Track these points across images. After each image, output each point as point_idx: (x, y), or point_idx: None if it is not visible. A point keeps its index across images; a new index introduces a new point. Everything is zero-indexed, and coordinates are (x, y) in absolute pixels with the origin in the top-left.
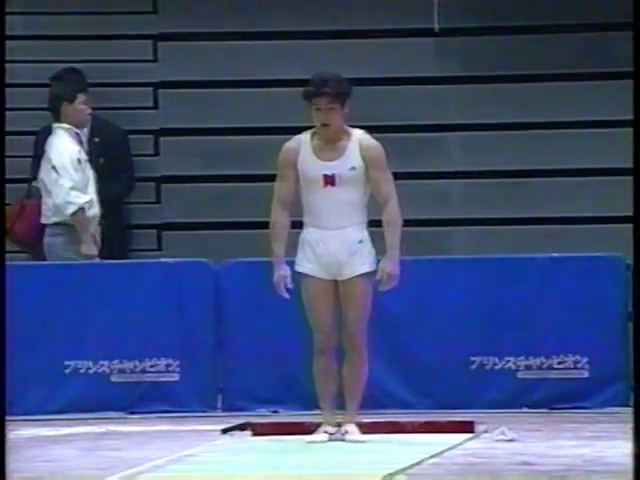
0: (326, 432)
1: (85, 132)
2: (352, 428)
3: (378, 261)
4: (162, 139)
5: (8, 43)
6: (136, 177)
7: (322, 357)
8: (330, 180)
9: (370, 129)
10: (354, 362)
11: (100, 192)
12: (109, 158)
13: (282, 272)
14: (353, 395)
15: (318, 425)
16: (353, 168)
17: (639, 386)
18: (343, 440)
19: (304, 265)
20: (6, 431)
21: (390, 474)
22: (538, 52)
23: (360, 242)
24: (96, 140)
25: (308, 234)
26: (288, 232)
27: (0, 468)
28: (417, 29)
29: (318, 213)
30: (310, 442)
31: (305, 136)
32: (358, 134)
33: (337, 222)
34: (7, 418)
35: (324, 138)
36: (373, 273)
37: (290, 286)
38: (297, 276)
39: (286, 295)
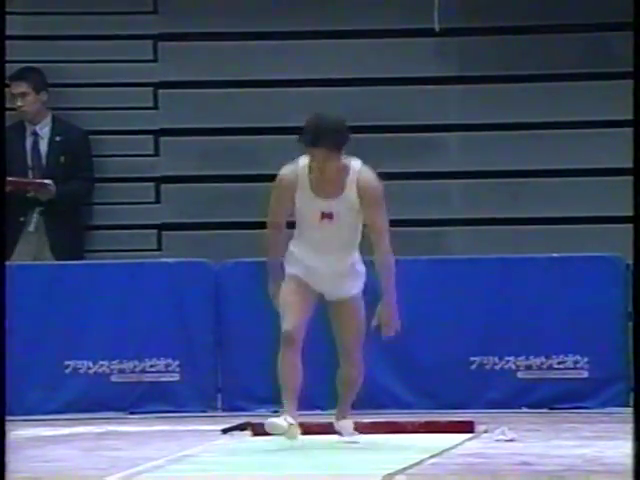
0: (286, 420)
1: (46, 131)
2: (346, 423)
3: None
4: (162, 139)
5: (8, 43)
6: (95, 177)
7: (289, 351)
8: (327, 216)
9: (370, 129)
10: (350, 373)
11: (59, 191)
12: (69, 157)
13: (279, 287)
14: (346, 399)
15: (318, 425)
16: (350, 208)
17: (639, 385)
18: (341, 435)
19: (292, 267)
20: (6, 431)
21: (390, 474)
22: (538, 52)
23: (351, 265)
24: (57, 139)
25: (298, 251)
26: (283, 254)
27: (0, 468)
28: (417, 29)
29: (311, 240)
30: (271, 424)
31: (302, 167)
32: (356, 168)
33: (330, 249)
34: (7, 418)
35: (322, 175)
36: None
37: None
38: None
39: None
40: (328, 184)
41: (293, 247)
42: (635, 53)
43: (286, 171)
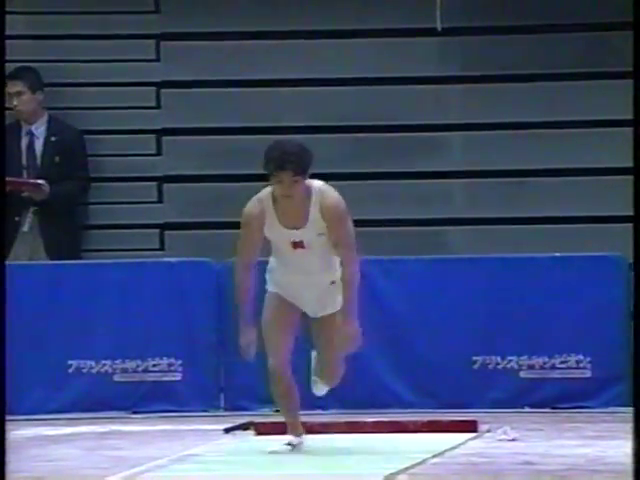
0: (290, 444)
1: (42, 131)
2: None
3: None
4: (164, 139)
5: (10, 42)
6: (93, 177)
7: (279, 384)
8: (299, 244)
9: (372, 129)
10: (331, 383)
11: (53, 191)
12: (64, 157)
13: (250, 337)
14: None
15: (320, 425)
16: (320, 234)
17: (639, 384)
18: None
19: (273, 284)
20: (6, 431)
21: (392, 474)
22: (540, 52)
23: (332, 283)
24: (52, 139)
25: (278, 276)
26: (255, 293)
27: (0, 468)
28: (419, 29)
29: (288, 266)
30: (272, 452)
31: (266, 200)
32: (317, 191)
33: (307, 272)
34: (9, 418)
35: (287, 204)
36: None
37: (254, 351)
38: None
39: (251, 358)
40: (293, 214)
41: (273, 264)
42: (635, 53)
43: (251, 207)
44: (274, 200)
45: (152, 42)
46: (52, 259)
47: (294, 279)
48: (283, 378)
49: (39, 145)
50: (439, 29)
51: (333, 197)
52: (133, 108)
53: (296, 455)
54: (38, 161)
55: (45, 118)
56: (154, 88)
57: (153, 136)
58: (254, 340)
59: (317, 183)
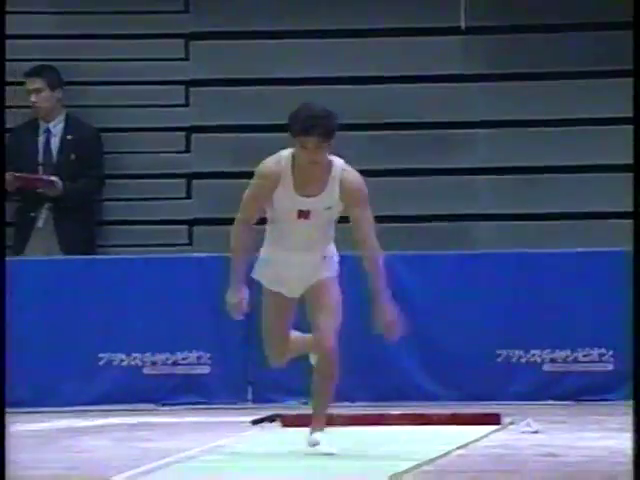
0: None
1: (59, 129)
2: (322, 437)
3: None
4: (193, 136)
5: (41, 42)
6: (106, 175)
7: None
8: (304, 214)
9: (397, 126)
10: (325, 369)
11: (67, 188)
12: (80, 155)
13: (240, 295)
14: (322, 403)
15: (348, 417)
16: (329, 208)
17: (638, 380)
18: (315, 448)
19: (263, 279)
20: (6, 430)
21: (418, 464)
22: (562, 50)
23: (324, 258)
24: (69, 137)
25: (270, 253)
26: (251, 254)
27: (0, 468)
28: (444, 28)
29: (285, 237)
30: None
31: (286, 163)
32: (339, 168)
33: (306, 247)
34: (42, 410)
35: (307, 171)
36: (337, 277)
37: (246, 310)
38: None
39: (240, 317)
40: (311, 181)
41: (263, 252)
42: (635, 53)
43: (270, 164)
44: (293, 164)
45: (181, 41)
46: (66, 254)
47: (286, 259)
48: (280, 362)
49: (55, 143)
50: (463, 28)
51: (356, 177)
52: (163, 106)
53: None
54: (54, 158)
55: (63, 116)
56: (183, 86)
57: (182, 134)
58: (245, 298)
59: (338, 160)
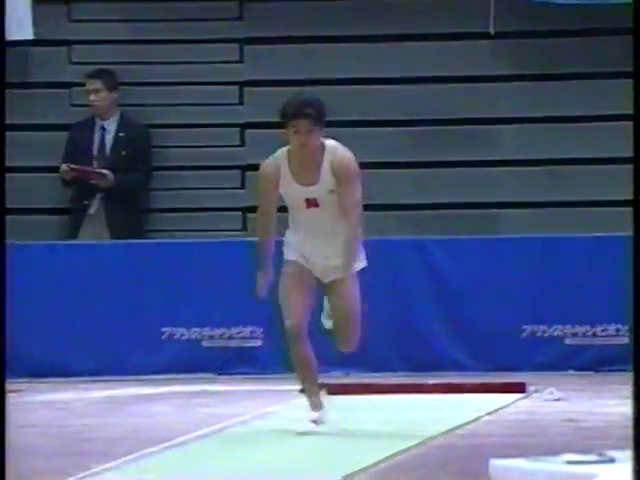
0: (314, 422)
1: (113, 127)
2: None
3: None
4: (247, 131)
5: (115, 47)
6: (153, 167)
7: (297, 345)
8: (312, 202)
9: (432, 122)
10: (348, 345)
11: (118, 180)
12: (130, 151)
13: (266, 278)
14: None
15: (388, 386)
16: (332, 191)
17: (638, 376)
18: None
19: (288, 253)
20: (5, 428)
21: (450, 429)
22: (581, 53)
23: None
24: (121, 135)
25: (293, 238)
26: (273, 240)
27: (0, 466)
28: (475, 33)
29: (303, 226)
30: (300, 434)
31: (282, 158)
32: (330, 149)
33: (321, 233)
34: (111, 379)
35: (301, 158)
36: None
37: (267, 290)
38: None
39: (264, 296)
40: (307, 169)
41: (289, 236)
42: (635, 54)
43: (266, 164)
44: (289, 158)
45: (236, 46)
46: (115, 239)
47: (308, 244)
48: (300, 339)
49: (109, 139)
50: (492, 33)
51: (345, 155)
52: (219, 105)
53: (364, 412)
54: (107, 153)
55: (117, 115)
56: (238, 87)
57: (237, 129)
58: (269, 281)
59: (330, 141)
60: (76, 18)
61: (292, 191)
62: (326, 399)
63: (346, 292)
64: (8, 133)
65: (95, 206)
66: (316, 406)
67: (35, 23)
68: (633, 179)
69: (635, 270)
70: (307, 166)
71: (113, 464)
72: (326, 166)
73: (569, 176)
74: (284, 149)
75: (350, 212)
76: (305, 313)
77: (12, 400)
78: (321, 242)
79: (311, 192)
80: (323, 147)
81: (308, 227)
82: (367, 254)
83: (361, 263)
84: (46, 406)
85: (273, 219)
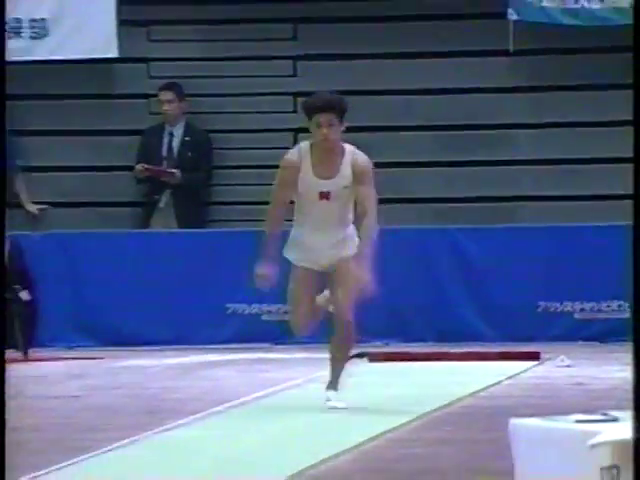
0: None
1: (180, 132)
2: (333, 395)
3: None
4: (299, 135)
5: (190, 64)
6: (213, 167)
7: (298, 336)
8: (325, 195)
9: (459, 127)
10: (342, 338)
11: (184, 177)
12: (194, 153)
13: (268, 270)
14: (338, 367)
15: (421, 354)
16: (346, 187)
17: (638, 371)
18: (327, 403)
19: (292, 255)
20: (5, 425)
21: (473, 392)
22: (588, 68)
23: (344, 237)
24: (186, 139)
25: (298, 232)
26: (279, 234)
27: (0, 464)
28: (496, 50)
29: (310, 217)
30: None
31: (305, 150)
32: (350, 151)
33: (328, 226)
34: (183, 347)
35: (322, 152)
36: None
37: (270, 285)
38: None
39: (266, 289)
40: (327, 164)
41: (294, 231)
42: (635, 54)
43: (290, 154)
44: (312, 152)
45: (290, 62)
46: (182, 228)
47: (312, 237)
48: (303, 332)
49: (176, 143)
50: (511, 50)
51: (364, 158)
52: (275, 112)
53: (400, 377)
54: (175, 155)
55: (183, 122)
56: (292, 97)
57: (291, 134)
58: (271, 275)
59: (350, 146)
60: (154, 39)
61: (309, 182)
62: (367, 366)
63: (345, 271)
64: (94, 137)
65: (164, 200)
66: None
67: (119, 43)
68: (633, 176)
69: (635, 256)
70: (327, 160)
71: (184, 421)
72: (346, 164)
73: (577, 173)
74: (307, 142)
75: (370, 207)
76: (310, 322)
77: (99, 365)
78: (325, 232)
79: (327, 185)
80: (343, 148)
81: (316, 218)
82: (404, 241)
83: (354, 248)
84: (127, 370)
85: (284, 213)
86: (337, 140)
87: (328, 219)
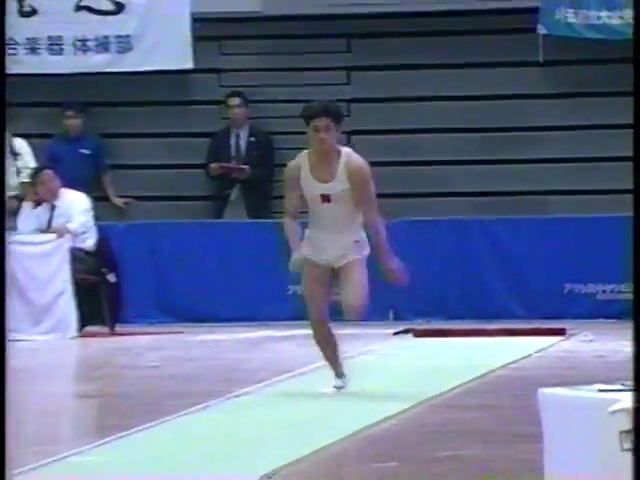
0: (335, 387)
1: (245, 134)
2: (344, 380)
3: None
4: (353, 137)
5: (250, 74)
6: (275, 164)
7: (319, 333)
8: (326, 198)
9: (495, 129)
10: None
11: (251, 173)
12: (258, 152)
13: (298, 256)
14: (339, 357)
15: (459, 331)
16: (343, 190)
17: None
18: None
19: (306, 251)
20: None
21: (505, 364)
22: (610, 77)
23: (356, 242)
24: (252, 140)
25: (311, 234)
26: (298, 231)
27: (0, 463)
28: (527, 61)
29: (319, 221)
30: (323, 393)
31: (304, 158)
32: (346, 154)
33: (335, 228)
34: (252, 324)
35: (319, 155)
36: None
37: (299, 268)
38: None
39: (296, 270)
40: (324, 167)
41: (307, 232)
42: (635, 55)
43: (290, 163)
44: (309, 158)
45: (344, 72)
46: (250, 219)
47: (322, 238)
48: (321, 329)
49: (243, 143)
50: (541, 61)
51: (359, 160)
52: None
53: (440, 350)
54: (242, 154)
55: (248, 126)
56: (345, 103)
57: (344, 135)
58: (300, 260)
59: (346, 149)
60: (224, 52)
61: (310, 187)
62: (411, 340)
63: (354, 270)
64: (172, 139)
65: (235, 194)
66: (339, 375)
67: (194, 56)
68: (633, 176)
69: (635, 297)
70: (324, 164)
71: (252, 388)
72: (342, 167)
73: (600, 170)
74: (305, 152)
75: (369, 208)
76: (325, 307)
77: (176, 339)
78: (334, 234)
79: (326, 189)
80: (339, 152)
81: (323, 221)
82: (445, 230)
83: (367, 250)
84: (202, 344)
85: (297, 222)
86: (333, 144)
87: (334, 221)
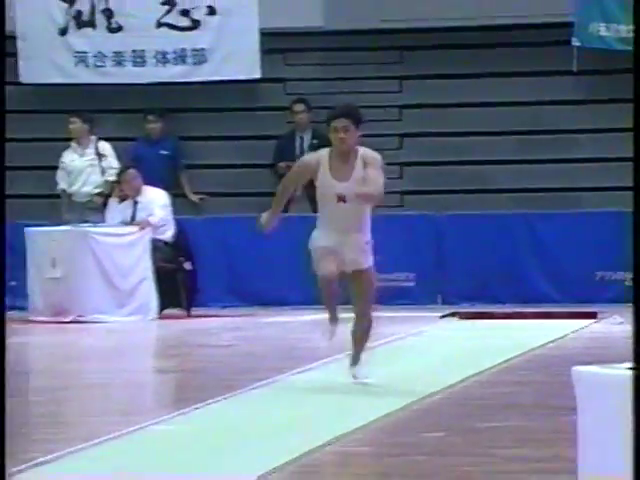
0: (330, 332)
1: (308, 137)
2: (359, 369)
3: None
4: (405, 139)
5: (312, 82)
6: None
7: (328, 287)
8: (342, 198)
9: (530, 132)
10: (364, 326)
11: None
12: None
13: (271, 222)
14: (361, 347)
15: (501, 314)
16: (360, 188)
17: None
18: (355, 377)
19: (317, 250)
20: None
21: (543, 344)
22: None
23: (367, 243)
24: (314, 142)
25: (321, 234)
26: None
27: (0, 460)
28: (562, 70)
29: (332, 220)
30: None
31: (324, 154)
32: (363, 150)
33: (348, 228)
34: (314, 307)
35: (339, 155)
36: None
37: (269, 231)
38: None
39: (265, 232)
40: (342, 166)
41: (317, 232)
42: (635, 56)
43: (309, 157)
44: (330, 156)
45: (397, 81)
46: (314, 213)
47: (335, 238)
48: (331, 284)
49: (306, 145)
50: (574, 70)
51: (374, 153)
52: (384, 121)
53: (483, 331)
54: (305, 154)
55: (310, 130)
56: (397, 109)
57: (396, 137)
58: (272, 226)
59: (363, 147)
60: (289, 63)
61: (327, 184)
62: (457, 323)
63: (367, 281)
64: (242, 141)
65: (299, 190)
66: (334, 323)
67: (261, 66)
68: (633, 175)
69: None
70: (343, 164)
71: (314, 365)
72: (358, 167)
73: (628, 168)
74: (328, 148)
75: (376, 185)
76: (335, 266)
77: (247, 321)
78: (346, 234)
79: (342, 188)
80: (357, 151)
81: (336, 221)
82: (489, 223)
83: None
84: (270, 325)
85: (288, 196)
86: (352, 145)
87: (347, 222)
